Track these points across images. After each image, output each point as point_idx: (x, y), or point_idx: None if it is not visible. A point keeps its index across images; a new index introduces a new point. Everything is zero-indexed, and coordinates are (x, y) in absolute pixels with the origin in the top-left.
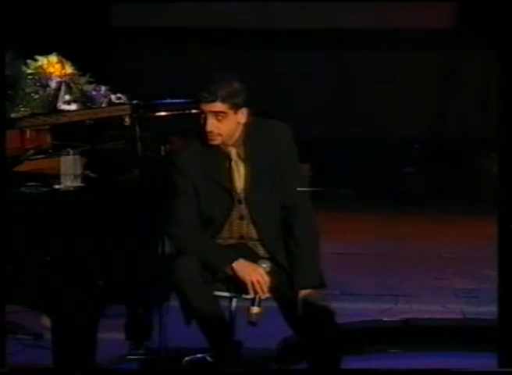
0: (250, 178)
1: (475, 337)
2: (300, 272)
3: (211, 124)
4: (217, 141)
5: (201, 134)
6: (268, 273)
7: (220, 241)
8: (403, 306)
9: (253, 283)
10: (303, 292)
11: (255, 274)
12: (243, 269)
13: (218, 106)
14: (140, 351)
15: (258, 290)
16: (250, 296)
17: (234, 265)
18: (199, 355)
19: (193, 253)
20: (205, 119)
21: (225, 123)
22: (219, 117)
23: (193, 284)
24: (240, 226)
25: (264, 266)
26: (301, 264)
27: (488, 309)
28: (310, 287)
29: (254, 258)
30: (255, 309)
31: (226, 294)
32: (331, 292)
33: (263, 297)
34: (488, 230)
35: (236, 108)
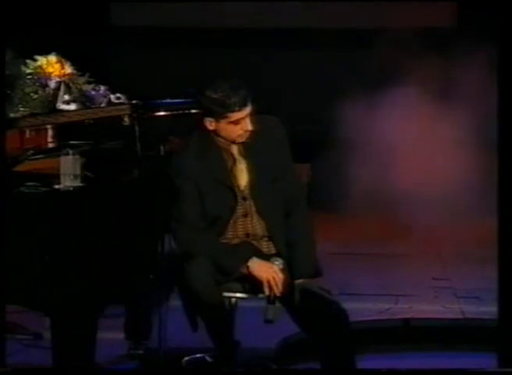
0: (253, 173)
1: (475, 337)
2: (299, 261)
3: (250, 124)
4: (248, 134)
5: (210, 140)
6: (282, 270)
7: (225, 241)
8: (403, 306)
9: (268, 281)
10: (300, 281)
11: (270, 272)
12: (259, 267)
13: (250, 107)
14: (140, 351)
15: (274, 287)
16: (266, 294)
17: (249, 264)
18: (199, 355)
19: (205, 255)
20: (243, 123)
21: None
22: (250, 115)
23: (205, 286)
24: (245, 223)
25: (277, 263)
26: (300, 253)
27: (488, 309)
28: (307, 276)
29: (259, 256)
30: (272, 307)
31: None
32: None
33: (278, 294)
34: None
35: None
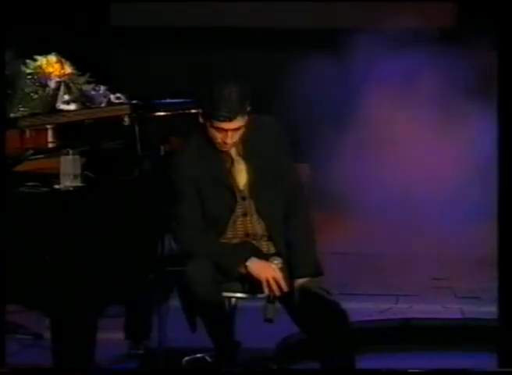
0: (252, 173)
1: (475, 337)
2: (299, 260)
3: (232, 138)
4: (230, 146)
5: (209, 141)
6: (281, 270)
7: (225, 241)
8: (403, 306)
9: (268, 281)
10: (301, 281)
11: (269, 271)
12: (258, 267)
13: (238, 122)
14: (140, 351)
15: (273, 287)
16: (265, 294)
17: (248, 263)
18: (199, 355)
19: (204, 255)
20: (224, 134)
21: (241, 131)
22: (238, 130)
23: (205, 286)
24: (244, 223)
25: (276, 262)
26: (300, 252)
27: (488, 309)
28: (308, 275)
29: (258, 256)
30: (271, 306)
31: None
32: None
33: (277, 293)
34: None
35: (247, 113)
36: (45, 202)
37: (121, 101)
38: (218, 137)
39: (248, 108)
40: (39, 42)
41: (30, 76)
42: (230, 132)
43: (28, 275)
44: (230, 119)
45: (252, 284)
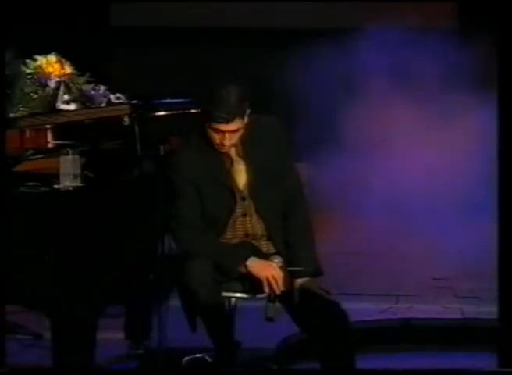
0: (252, 173)
1: (475, 337)
2: (299, 260)
3: (230, 139)
4: (229, 148)
5: (209, 141)
6: (281, 268)
7: (224, 241)
8: (403, 306)
9: (268, 280)
10: (300, 280)
11: (269, 270)
12: (258, 266)
13: (237, 124)
14: (140, 351)
15: (274, 285)
16: (266, 293)
17: (248, 263)
18: (199, 355)
19: (204, 255)
20: (222, 136)
21: (239, 132)
22: (236, 131)
23: (204, 286)
24: (244, 223)
25: (276, 261)
26: (300, 252)
27: (488, 309)
28: (308, 275)
29: (258, 255)
30: (272, 305)
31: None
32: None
33: (278, 292)
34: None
35: (246, 115)
36: (45, 202)
37: (121, 101)
38: (216, 138)
39: (247, 111)
40: (39, 42)
41: (29, 76)
42: (228, 134)
43: (28, 275)
44: (228, 121)
45: (252, 284)
